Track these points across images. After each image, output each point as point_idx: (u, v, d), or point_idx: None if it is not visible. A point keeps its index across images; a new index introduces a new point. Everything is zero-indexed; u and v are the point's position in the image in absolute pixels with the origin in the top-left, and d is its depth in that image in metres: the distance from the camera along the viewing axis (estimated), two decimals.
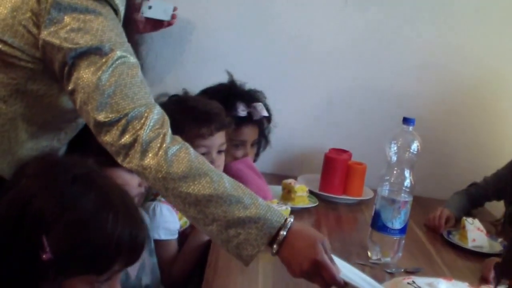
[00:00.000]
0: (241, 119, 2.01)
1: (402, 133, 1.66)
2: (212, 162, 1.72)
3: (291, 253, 1.14)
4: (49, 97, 1.22)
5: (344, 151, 2.24)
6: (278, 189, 2.05)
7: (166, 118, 1.17)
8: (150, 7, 2.02)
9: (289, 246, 1.13)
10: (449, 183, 2.35)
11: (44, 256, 0.93)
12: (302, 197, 1.99)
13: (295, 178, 2.20)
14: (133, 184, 1.39)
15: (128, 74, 1.14)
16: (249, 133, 2.05)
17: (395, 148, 1.66)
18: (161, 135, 1.13)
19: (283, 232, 1.14)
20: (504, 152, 2.39)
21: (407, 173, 1.65)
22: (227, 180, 1.15)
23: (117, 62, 1.13)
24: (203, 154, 1.69)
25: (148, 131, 1.12)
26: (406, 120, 1.65)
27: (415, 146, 1.65)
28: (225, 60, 2.30)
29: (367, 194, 2.16)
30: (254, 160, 2.15)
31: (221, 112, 1.78)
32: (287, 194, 2.00)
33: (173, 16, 2.11)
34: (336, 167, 2.15)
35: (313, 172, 2.27)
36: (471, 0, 2.32)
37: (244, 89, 2.10)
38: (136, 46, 1.36)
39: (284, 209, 1.73)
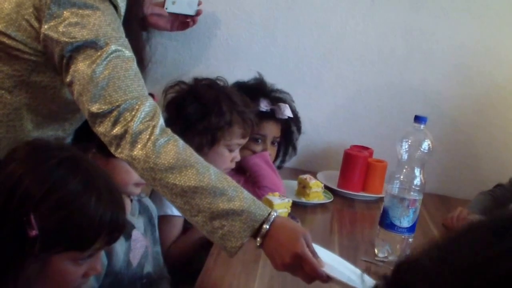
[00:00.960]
0: (263, 114, 2.03)
1: (414, 131, 1.64)
2: (235, 157, 1.77)
3: (274, 246, 1.16)
4: (53, 88, 1.28)
5: (366, 148, 2.24)
6: (294, 183, 2.07)
7: (158, 110, 1.21)
8: (173, 2, 2.05)
9: (272, 239, 1.16)
10: (475, 183, 2.31)
11: (31, 233, 0.99)
12: (317, 192, 2.00)
13: (316, 173, 2.22)
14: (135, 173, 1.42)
15: (122, 67, 1.18)
16: (270, 129, 2.06)
17: (406, 146, 1.65)
18: (151, 127, 1.17)
19: (266, 226, 1.16)
20: None
21: (417, 171, 1.64)
22: (213, 172, 1.18)
23: (111, 56, 1.17)
24: (232, 150, 1.76)
25: (138, 123, 1.16)
26: (418, 119, 1.63)
27: (426, 144, 1.63)
28: (251, 55, 2.33)
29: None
30: (274, 161, 2.16)
31: (254, 112, 1.86)
32: (302, 189, 2.01)
33: (198, 12, 2.13)
34: (355, 164, 2.14)
35: (334, 168, 2.27)
36: (505, 0, 2.27)
37: (272, 88, 2.11)
38: (141, 42, 1.42)
39: (286, 202, 1.73)
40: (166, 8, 2.05)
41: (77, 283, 1.10)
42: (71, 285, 1.09)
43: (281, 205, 1.69)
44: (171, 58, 2.32)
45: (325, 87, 2.37)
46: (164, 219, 1.71)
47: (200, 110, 1.75)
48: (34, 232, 0.99)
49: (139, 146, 1.15)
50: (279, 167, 2.17)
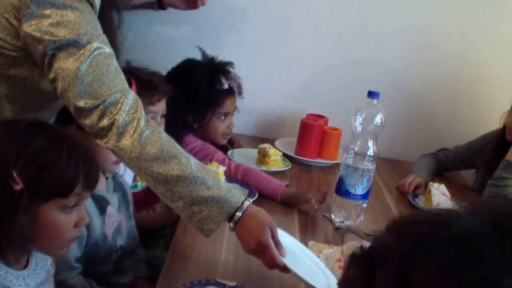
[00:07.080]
0: (224, 91, 2.12)
1: (367, 105, 1.76)
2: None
3: (243, 232, 1.30)
4: (31, 80, 1.33)
5: (321, 117, 2.36)
6: (254, 152, 2.18)
7: (140, 102, 1.29)
8: None
9: (243, 225, 1.30)
10: (423, 147, 2.48)
11: (17, 187, 1.09)
12: (276, 161, 2.12)
13: (274, 141, 2.33)
14: None
15: (104, 63, 1.25)
16: (231, 104, 2.16)
17: (360, 120, 1.77)
18: (136, 119, 1.25)
19: (239, 213, 1.30)
20: (479, 120, 2.52)
21: (370, 143, 1.76)
22: (193, 163, 1.29)
23: (94, 53, 1.24)
24: (156, 118, 1.83)
25: (124, 115, 1.24)
26: (371, 94, 1.74)
27: (378, 118, 1.75)
28: (209, 27, 2.39)
29: (341, 158, 2.27)
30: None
31: (163, 81, 1.90)
32: (262, 158, 2.13)
33: None
34: (311, 132, 2.27)
35: (292, 135, 2.39)
36: None
37: (221, 62, 2.17)
38: (115, 29, 1.47)
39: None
40: None
41: (71, 233, 1.21)
42: (65, 235, 1.20)
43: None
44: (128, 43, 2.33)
45: (281, 57, 2.46)
46: None
47: None
48: (19, 186, 1.09)
49: (126, 137, 1.24)
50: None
